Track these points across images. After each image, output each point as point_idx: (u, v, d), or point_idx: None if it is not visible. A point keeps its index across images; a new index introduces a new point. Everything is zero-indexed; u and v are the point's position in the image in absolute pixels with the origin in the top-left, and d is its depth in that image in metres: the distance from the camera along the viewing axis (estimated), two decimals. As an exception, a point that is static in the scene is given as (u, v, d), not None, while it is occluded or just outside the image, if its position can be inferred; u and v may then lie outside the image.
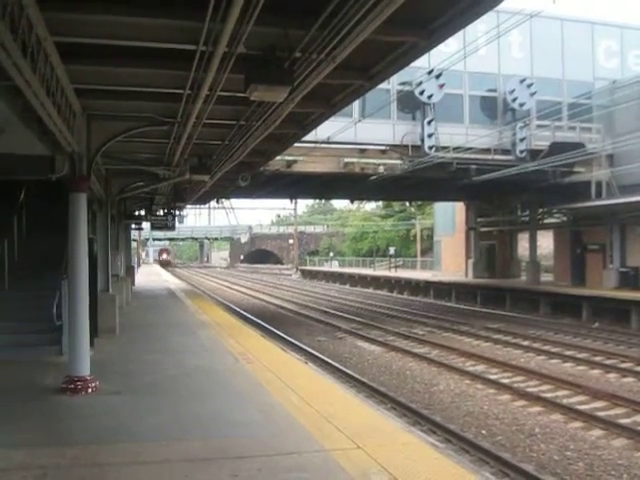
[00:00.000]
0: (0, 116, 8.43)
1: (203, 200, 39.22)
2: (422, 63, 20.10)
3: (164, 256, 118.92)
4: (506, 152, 28.03)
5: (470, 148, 25.90)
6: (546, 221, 36.93)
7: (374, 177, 27.37)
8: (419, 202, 62.24)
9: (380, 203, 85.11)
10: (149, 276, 51.44)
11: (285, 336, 22.04)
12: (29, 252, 15.25)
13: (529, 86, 27.86)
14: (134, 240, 58.13)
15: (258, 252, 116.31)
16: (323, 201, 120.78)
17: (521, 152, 27.79)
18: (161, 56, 8.08)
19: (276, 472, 6.09)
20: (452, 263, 45.48)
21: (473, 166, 27.27)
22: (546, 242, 43.96)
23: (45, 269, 13.88)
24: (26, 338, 12.49)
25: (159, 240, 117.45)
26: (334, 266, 77.23)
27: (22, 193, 16.07)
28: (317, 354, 18.79)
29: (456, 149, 26.09)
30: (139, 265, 67.35)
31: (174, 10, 6.74)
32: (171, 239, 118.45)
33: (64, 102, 8.76)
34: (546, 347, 20.50)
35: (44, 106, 7.50)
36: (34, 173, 11.86)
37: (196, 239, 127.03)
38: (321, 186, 33.44)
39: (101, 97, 10.08)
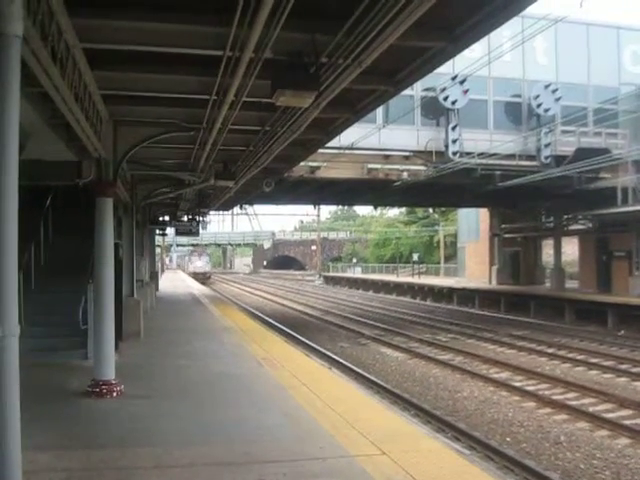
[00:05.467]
0: (28, 122, 8.51)
1: (227, 206, 39.31)
2: (446, 69, 19.99)
3: (198, 263, 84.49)
4: (531, 158, 27.82)
5: (494, 154, 25.72)
6: (571, 227, 36.60)
7: (398, 183, 27.31)
8: (443, 208, 61.95)
9: (403, 209, 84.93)
10: (173, 282, 51.69)
11: (308, 342, 22.03)
12: (55, 257, 15.35)
13: (554, 91, 27.65)
14: (158, 246, 58.29)
15: (281, 258, 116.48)
16: (346, 207, 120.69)
17: (546, 158, 27.59)
18: (187, 62, 8.15)
19: (302, 477, 6.10)
20: (476, 269, 45.24)
21: (497, 172, 27.10)
22: (571, 248, 43.59)
23: (71, 273, 13.96)
24: (52, 342, 12.55)
25: (182, 246, 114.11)
26: (357, 272, 77.11)
27: (49, 198, 16.22)
28: (340, 360, 18.75)
29: (480, 155, 25.95)
30: (162, 271, 67.55)
31: (201, 16, 6.78)
32: (194, 245, 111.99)
33: (92, 108, 8.85)
34: (571, 354, 20.30)
35: (72, 112, 7.58)
36: (61, 178, 12.01)
37: (219, 245, 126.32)
38: (344, 192, 33.40)
39: (128, 103, 10.18)
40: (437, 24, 7.41)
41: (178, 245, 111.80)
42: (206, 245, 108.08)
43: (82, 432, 7.71)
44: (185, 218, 32.50)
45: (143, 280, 21.50)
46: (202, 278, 71.79)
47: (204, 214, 34.71)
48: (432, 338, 24.28)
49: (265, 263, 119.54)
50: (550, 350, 21.29)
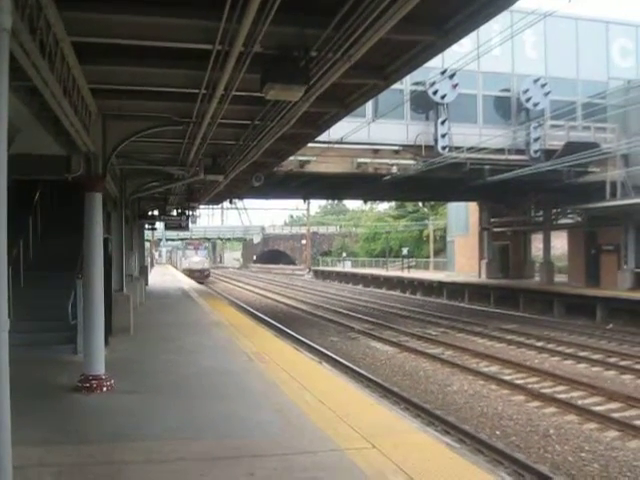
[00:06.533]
0: (16, 116, 8.46)
1: (216, 200, 39.29)
2: (436, 63, 19.96)
3: (195, 259, 69.41)
4: (520, 152, 27.91)
5: (484, 148, 25.79)
6: (560, 221, 36.69)
7: (387, 177, 27.34)
8: (432, 202, 62.04)
9: (393, 203, 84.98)
10: (162, 276, 51.56)
11: (298, 336, 22.04)
12: (44, 252, 15.30)
13: (543, 86, 27.70)
14: (147, 240, 57.72)
15: (271, 252, 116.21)
16: (336, 201, 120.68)
17: (535, 152, 27.70)
18: (177, 56, 8.11)
19: (292, 471, 6.09)
20: (465, 264, 45.33)
21: (487, 166, 27.18)
22: (560, 243, 43.77)
23: (60, 269, 13.91)
24: (41, 337, 12.51)
25: (172, 240, 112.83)
26: (347, 267, 77.05)
27: (38, 193, 16.14)
28: (330, 354, 18.79)
29: (470, 149, 25.99)
30: (152, 265, 67.07)
31: (190, 10, 6.76)
32: (184, 239, 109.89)
33: (80, 102, 8.81)
34: (560, 348, 20.41)
35: (61, 106, 7.54)
36: (50, 173, 11.93)
37: (209, 239, 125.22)
38: (334, 186, 33.43)
39: (117, 97, 10.13)
40: (427, 18, 7.41)
41: (167, 239, 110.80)
42: (196, 239, 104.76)
43: (72, 427, 7.68)
44: (174, 212, 32.45)
45: (132, 275, 21.43)
46: (199, 277, 59.91)
47: (193, 208, 34.65)
48: (422, 332, 24.36)
49: (255, 257, 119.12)
50: (539, 344, 21.38)
